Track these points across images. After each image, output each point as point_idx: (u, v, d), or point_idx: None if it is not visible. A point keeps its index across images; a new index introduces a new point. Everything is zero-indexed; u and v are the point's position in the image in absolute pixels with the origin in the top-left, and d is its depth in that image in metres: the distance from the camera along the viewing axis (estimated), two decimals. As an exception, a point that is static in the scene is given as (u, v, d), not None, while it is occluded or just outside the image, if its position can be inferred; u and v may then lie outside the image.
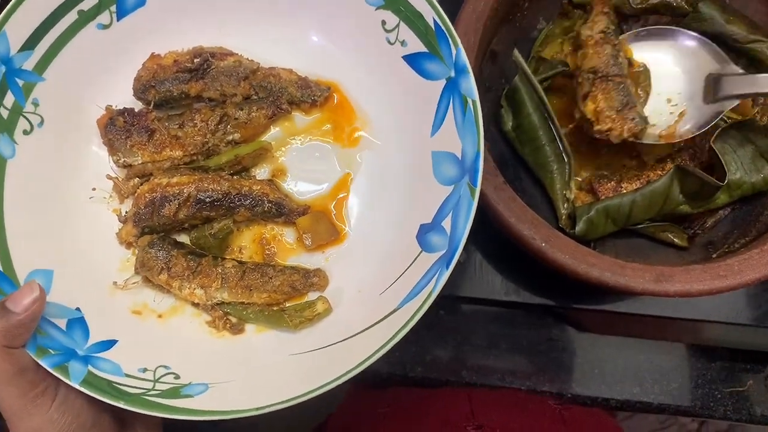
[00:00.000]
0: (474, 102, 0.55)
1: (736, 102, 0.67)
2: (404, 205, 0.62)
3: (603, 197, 0.70)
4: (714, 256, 0.68)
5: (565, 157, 0.70)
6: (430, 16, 0.57)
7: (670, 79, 0.70)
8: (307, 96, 0.64)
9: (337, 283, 0.62)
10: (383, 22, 0.61)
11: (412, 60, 0.61)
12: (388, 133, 0.65)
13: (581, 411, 0.82)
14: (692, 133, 0.68)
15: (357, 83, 0.66)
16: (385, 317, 0.55)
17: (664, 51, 0.71)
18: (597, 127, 0.65)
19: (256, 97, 0.65)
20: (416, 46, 0.60)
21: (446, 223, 0.56)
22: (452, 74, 0.57)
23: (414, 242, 0.58)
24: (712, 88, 0.68)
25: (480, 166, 0.54)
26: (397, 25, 0.60)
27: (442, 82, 0.58)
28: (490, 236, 0.73)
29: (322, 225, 0.62)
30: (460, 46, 0.55)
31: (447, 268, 0.53)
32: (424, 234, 0.58)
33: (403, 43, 0.61)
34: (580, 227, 0.68)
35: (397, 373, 0.80)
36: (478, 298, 0.78)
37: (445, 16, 0.56)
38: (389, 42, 0.62)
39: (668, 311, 0.77)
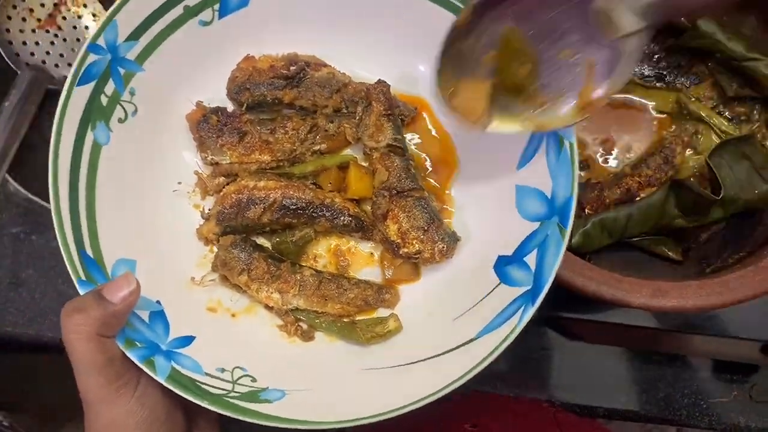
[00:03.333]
0: (571, 144, 0.56)
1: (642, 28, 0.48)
2: (482, 233, 0.63)
3: (587, 207, 0.71)
4: (708, 270, 0.70)
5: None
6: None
7: (551, 31, 0.52)
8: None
9: (406, 302, 0.64)
10: (481, 53, 0.62)
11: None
12: (471, 158, 0.66)
13: (575, 416, 0.84)
14: (612, 88, 0.52)
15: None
16: (462, 345, 0.56)
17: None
18: (404, 250, 0.61)
19: (345, 111, 0.65)
20: (514, 80, 0.61)
21: (530, 259, 0.57)
22: (550, 113, 0.58)
23: (491, 272, 0.60)
24: (605, 18, 0.49)
25: (572, 208, 0.55)
26: (496, 57, 0.61)
27: (537, 119, 0.59)
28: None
29: (406, 263, 0.63)
30: (562, 88, 0.57)
31: (533, 304, 0.54)
32: (503, 266, 0.59)
33: (499, 74, 0.62)
34: (576, 240, 0.69)
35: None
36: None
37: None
38: (485, 72, 0.63)
39: (657, 323, 0.79)
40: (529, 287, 0.56)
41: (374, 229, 0.64)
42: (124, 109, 0.60)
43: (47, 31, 0.83)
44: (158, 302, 0.58)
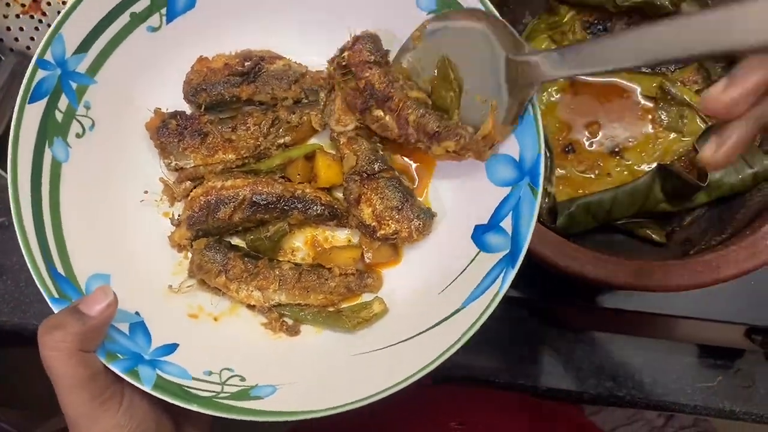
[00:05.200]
0: (534, 106, 0.56)
1: (537, 87, 0.55)
2: (456, 205, 0.63)
3: None
4: (691, 252, 0.70)
5: (546, 152, 0.67)
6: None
7: (474, 72, 0.58)
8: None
9: (390, 284, 0.63)
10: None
11: (463, 64, 0.61)
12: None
13: (557, 406, 0.84)
14: (510, 129, 0.57)
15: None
16: (450, 316, 0.56)
17: (462, 40, 0.58)
18: (381, 232, 0.60)
19: (306, 101, 0.65)
20: (469, 51, 0.60)
21: (506, 224, 0.57)
22: (508, 78, 0.58)
23: (470, 243, 0.59)
24: (513, 74, 0.55)
25: (541, 167, 0.55)
26: (449, 31, 0.61)
27: (497, 86, 0.59)
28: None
29: (384, 245, 0.63)
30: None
31: (513, 267, 0.54)
32: (480, 234, 0.59)
33: (454, 48, 0.61)
34: (560, 221, 0.70)
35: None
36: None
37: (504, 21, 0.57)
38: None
39: (642, 307, 0.79)
40: (507, 251, 0.55)
41: (349, 215, 0.63)
42: (81, 123, 0.60)
43: (32, 17, 0.82)
44: (137, 313, 0.57)
